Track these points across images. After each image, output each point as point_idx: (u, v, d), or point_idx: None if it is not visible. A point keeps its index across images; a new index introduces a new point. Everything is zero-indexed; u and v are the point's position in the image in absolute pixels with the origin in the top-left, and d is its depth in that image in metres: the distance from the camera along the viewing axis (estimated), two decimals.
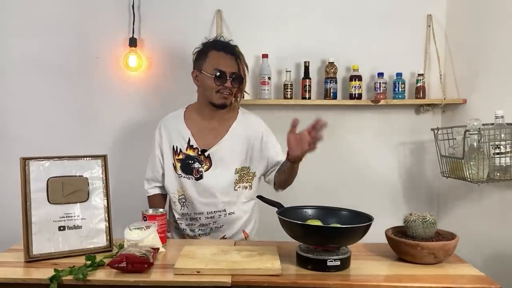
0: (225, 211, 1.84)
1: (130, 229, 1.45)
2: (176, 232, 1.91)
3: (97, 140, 2.61)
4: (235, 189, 1.84)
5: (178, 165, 1.84)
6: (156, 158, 1.89)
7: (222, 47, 1.80)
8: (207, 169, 1.81)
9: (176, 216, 1.89)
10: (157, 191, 1.94)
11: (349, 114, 2.66)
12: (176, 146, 1.84)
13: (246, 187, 1.87)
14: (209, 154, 1.81)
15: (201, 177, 1.81)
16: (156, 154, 1.89)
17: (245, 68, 1.84)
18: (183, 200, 1.85)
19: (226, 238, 1.85)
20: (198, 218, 1.84)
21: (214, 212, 1.83)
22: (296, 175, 1.81)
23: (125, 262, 1.26)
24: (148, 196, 1.96)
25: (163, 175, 1.89)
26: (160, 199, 1.95)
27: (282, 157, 1.83)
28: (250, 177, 1.87)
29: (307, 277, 1.26)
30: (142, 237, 1.43)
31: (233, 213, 1.85)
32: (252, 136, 1.86)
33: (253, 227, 1.94)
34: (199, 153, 1.82)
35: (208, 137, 1.84)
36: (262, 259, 1.34)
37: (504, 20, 2.09)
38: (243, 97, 1.91)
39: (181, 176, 1.83)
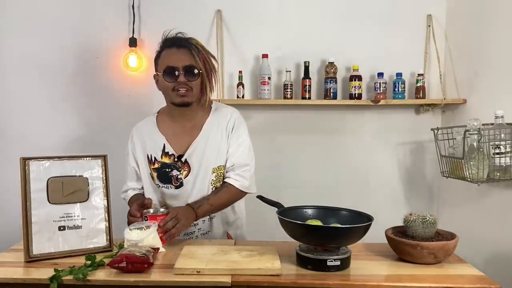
0: (208, 215, 1.73)
1: (130, 229, 1.45)
2: None
3: (97, 140, 2.61)
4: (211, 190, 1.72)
5: (155, 174, 1.72)
6: (133, 170, 1.78)
7: (172, 42, 1.67)
8: (186, 175, 1.70)
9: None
10: (137, 191, 1.80)
11: (349, 114, 2.66)
12: (151, 155, 1.72)
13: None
14: (185, 159, 1.69)
15: (181, 185, 1.70)
16: (132, 166, 1.78)
17: (208, 59, 1.68)
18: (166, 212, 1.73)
19: None
20: None
21: None
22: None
23: (125, 262, 1.25)
24: (129, 199, 1.77)
25: (142, 187, 1.79)
26: (140, 196, 1.78)
27: (233, 159, 1.72)
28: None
29: (307, 277, 1.26)
30: (142, 237, 1.42)
31: (215, 216, 1.75)
32: (224, 128, 1.73)
33: (239, 224, 1.84)
34: (175, 159, 1.70)
35: (183, 141, 1.72)
36: (262, 259, 1.34)
37: (504, 20, 2.09)
38: (212, 92, 1.74)
39: (159, 186, 1.73)
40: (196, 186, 1.70)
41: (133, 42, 2.55)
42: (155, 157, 1.72)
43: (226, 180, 1.73)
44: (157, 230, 1.48)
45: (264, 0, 2.62)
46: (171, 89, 1.65)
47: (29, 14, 2.59)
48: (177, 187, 1.71)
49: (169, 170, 1.71)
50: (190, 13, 2.59)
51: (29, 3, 2.58)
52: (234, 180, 1.71)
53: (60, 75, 2.61)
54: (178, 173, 1.70)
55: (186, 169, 1.70)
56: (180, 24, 2.60)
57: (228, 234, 1.81)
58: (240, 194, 1.75)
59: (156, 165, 1.72)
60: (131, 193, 1.80)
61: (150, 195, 1.75)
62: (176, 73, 1.63)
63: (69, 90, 2.62)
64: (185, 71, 1.63)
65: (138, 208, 1.59)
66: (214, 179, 1.73)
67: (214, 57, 1.73)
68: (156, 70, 1.71)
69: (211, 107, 1.79)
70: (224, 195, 1.70)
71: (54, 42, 2.59)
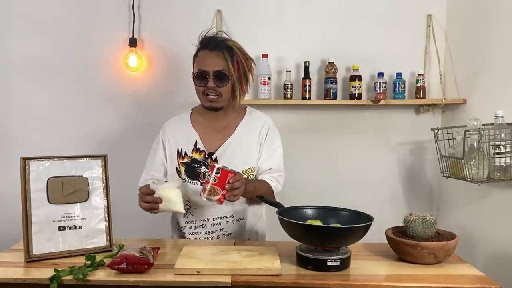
0: (233, 216, 1.74)
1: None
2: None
3: (97, 140, 2.61)
4: None
5: (183, 169, 1.73)
6: (161, 162, 1.78)
7: (207, 43, 1.67)
8: None
9: (180, 224, 1.79)
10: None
11: (349, 114, 2.66)
12: (181, 149, 1.74)
13: None
14: (216, 157, 1.71)
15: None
16: (160, 157, 1.78)
17: (243, 62, 1.68)
18: (187, 207, 1.74)
19: None
20: (203, 225, 1.74)
21: (221, 218, 1.73)
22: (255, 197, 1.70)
23: (125, 263, 1.25)
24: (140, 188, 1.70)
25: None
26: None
27: (270, 164, 1.75)
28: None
29: (307, 277, 1.26)
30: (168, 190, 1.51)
31: (242, 219, 1.76)
32: (256, 133, 1.77)
33: (260, 229, 1.84)
34: (206, 156, 1.72)
35: (215, 139, 1.74)
36: (262, 259, 1.34)
37: (504, 20, 2.08)
38: (246, 94, 1.76)
39: (185, 181, 1.73)
40: None
41: (133, 42, 2.55)
42: (185, 152, 1.74)
43: (262, 178, 1.75)
44: (221, 188, 1.49)
45: (264, 0, 2.62)
46: (201, 92, 1.68)
47: (29, 14, 2.58)
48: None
49: (198, 166, 1.72)
50: (190, 13, 2.59)
51: (30, 4, 2.58)
52: (270, 180, 1.74)
53: (60, 75, 2.61)
54: (207, 170, 1.71)
55: None
56: (180, 24, 2.64)
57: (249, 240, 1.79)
58: (271, 195, 1.75)
59: (186, 160, 1.74)
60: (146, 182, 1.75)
61: None
62: (207, 77, 1.65)
63: (69, 90, 2.62)
64: (215, 77, 1.64)
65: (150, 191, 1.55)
66: None
67: (252, 59, 1.74)
68: (193, 68, 1.73)
69: (246, 110, 1.83)
70: (265, 186, 1.73)
71: (54, 42, 2.59)
